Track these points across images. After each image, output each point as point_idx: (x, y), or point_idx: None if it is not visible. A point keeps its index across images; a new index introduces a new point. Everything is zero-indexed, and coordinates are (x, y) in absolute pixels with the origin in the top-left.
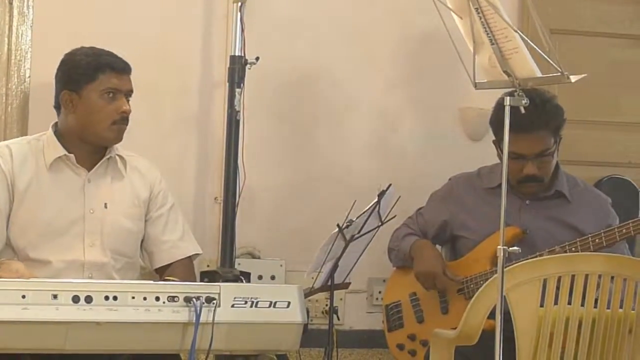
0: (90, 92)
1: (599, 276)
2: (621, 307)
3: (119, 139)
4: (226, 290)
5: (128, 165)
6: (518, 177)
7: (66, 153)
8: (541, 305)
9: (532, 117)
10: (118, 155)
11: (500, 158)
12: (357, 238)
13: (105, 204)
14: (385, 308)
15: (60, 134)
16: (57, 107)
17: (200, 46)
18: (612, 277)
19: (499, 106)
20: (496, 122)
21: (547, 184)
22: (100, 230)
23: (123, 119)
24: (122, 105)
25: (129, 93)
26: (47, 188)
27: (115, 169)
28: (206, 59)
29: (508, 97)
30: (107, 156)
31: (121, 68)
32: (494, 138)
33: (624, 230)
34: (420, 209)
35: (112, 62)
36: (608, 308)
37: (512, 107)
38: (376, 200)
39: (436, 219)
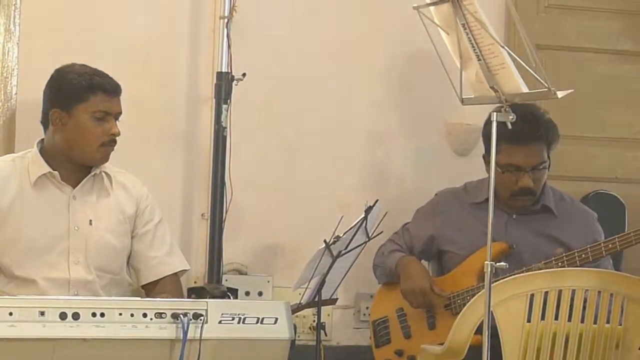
0: (80, 113)
1: (586, 291)
2: (608, 322)
3: (105, 160)
4: (213, 307)
5: (114, 182)
6: (512, 190)
7: (50, 170)
8: (528, 321)
9: (530, 129)
10: (104, 171)
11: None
12: (344, 254)
13: (90, 220)
14: (372, 324)
15: (45, 150)
16: (45, 123)
17: (186, 62)
18: (599, 292)
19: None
20: (489, 136)
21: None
22: (85, 247)
23: (111, 141)
24: (112, 128)
25: (118, 115)
26: (32, 205)
27: (101, 186)
28: (193, 75)
29: (495, 113)
30: (93, 173)
31: (112, 90)
32: (483, 153)
33: (610, 246)
34: (406, 224)
35: (103, 84)
36: (595, 323)
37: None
38: (363, 216)
39: (422, 234)
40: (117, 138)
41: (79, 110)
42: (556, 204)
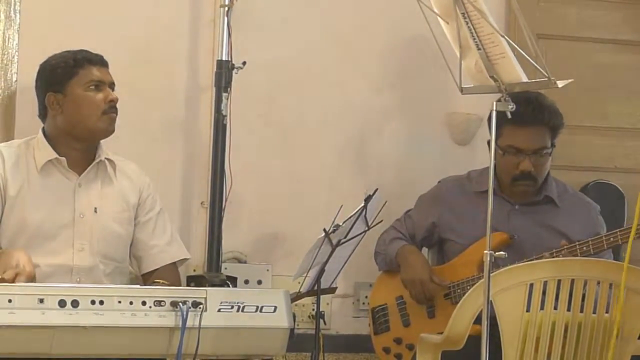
0: (75, 88)
1: (585, 281)
2: (607, 312)
3: (111, 129)
4: (213, 295)
5: (117, 170)
6: (513, 174)
7: (57, 156)
8: (527, 310)
9: (534, 111)
10: (107, 159)
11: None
12: (344, 243)
13: (95, 208)
14: (371, 311)
15: (49, 138)
16: (42, 114)
17: (187, 51)
18: (598, 282)
19: None
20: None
21: (537, 189)
22: (90, 235)
23: (112, 108)
24: (109, 95)
25: (112, 85)
26: (38, 192)
27: (105, 173)
28: (193, 64)
29: (496, 103)
30: (97, 160)
31: (99, 61)
32: (488, 139)
33: (611, 239)
34: (408, 211)
35: (88, 56)
36: (594, 313)
37: (513, 102)
38: (363, 205)
39: (424, 221)
40: (118, 126)
41: (72, 86)
42: (559, 195)
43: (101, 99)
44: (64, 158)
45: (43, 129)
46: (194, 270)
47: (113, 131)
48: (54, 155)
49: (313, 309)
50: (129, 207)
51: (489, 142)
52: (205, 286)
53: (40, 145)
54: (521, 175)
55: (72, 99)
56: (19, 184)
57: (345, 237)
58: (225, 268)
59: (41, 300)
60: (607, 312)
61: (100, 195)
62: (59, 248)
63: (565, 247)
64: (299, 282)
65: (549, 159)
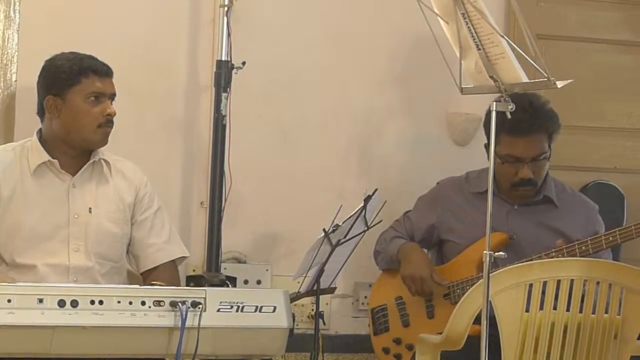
0: (75, 96)
1: (584, 281)
2: (606, 312)
3: (104, 142)
4: (212, 295)
5: (113, 169)
6: (512, 181)
7: (50, 159)
8: (527, 310)
9: (530, 120)
10: (103, 159)
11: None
12: (343, 243)
13: (90, 208)
14: (371, 311)
15: (44, 139)
16: (41, 113)
17: (186, 51)
18: (598, 282)
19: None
20: (489, 126)
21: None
22: (85, 235)
23: (108, 122)
24: (107, 108)
25: (112, 96)
26: (32, 194)
27: (100, 173)
28: (192, 64)
29: (495, 103)
30: (92, 160)
31: (104, 72)
32: (485, 142)
33: (610, 238)
34: (407, 212)
35: (94, 66)
36: (593, 313)
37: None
38: (362, 205)
39: (423, 222)
40: (117, 126)
41: (72, 94)
42: (557, 195)
43: (99, 112)
44: (56, 160)
45: (39, 131)
46: (194, 270)
47: (106, 143)
48: (46, 157)
49: (312, 309)
50: (124, 206)
51: (486, 146)
52: (204, 286)
53: (34, 148)
54: (521, 182)
55: (71, 107)
56: (13, 187)
57: (344, 237)
58: (225, 268)
59: (40, 300)
60: (606, 312)
61: (95, 195)
62: (55, 248)
63: (563, 247)
64: (299, 282)
65: (547, 162)
